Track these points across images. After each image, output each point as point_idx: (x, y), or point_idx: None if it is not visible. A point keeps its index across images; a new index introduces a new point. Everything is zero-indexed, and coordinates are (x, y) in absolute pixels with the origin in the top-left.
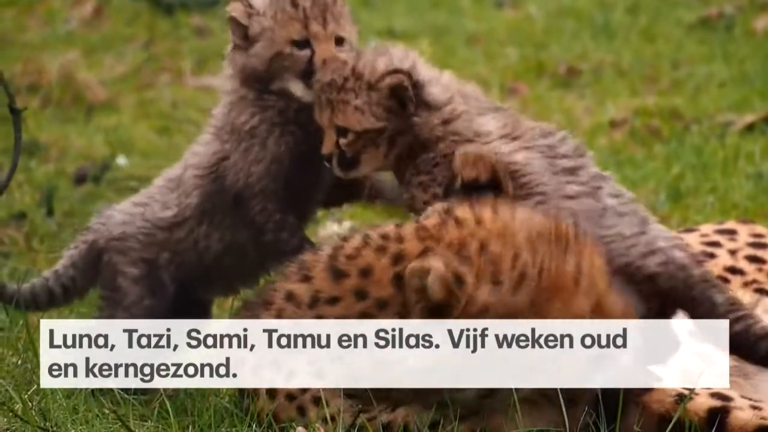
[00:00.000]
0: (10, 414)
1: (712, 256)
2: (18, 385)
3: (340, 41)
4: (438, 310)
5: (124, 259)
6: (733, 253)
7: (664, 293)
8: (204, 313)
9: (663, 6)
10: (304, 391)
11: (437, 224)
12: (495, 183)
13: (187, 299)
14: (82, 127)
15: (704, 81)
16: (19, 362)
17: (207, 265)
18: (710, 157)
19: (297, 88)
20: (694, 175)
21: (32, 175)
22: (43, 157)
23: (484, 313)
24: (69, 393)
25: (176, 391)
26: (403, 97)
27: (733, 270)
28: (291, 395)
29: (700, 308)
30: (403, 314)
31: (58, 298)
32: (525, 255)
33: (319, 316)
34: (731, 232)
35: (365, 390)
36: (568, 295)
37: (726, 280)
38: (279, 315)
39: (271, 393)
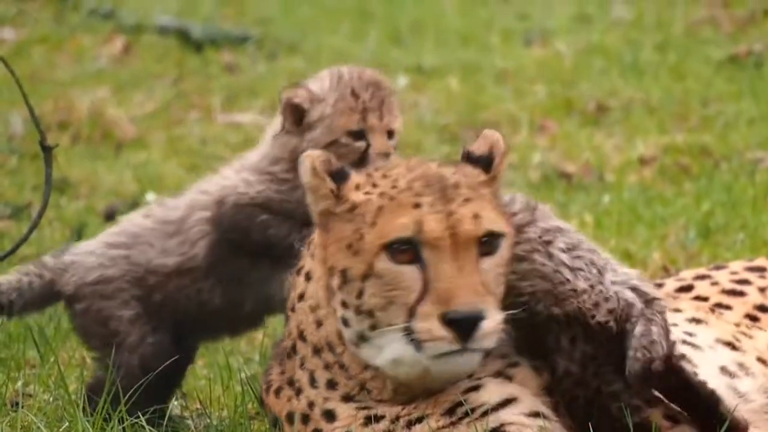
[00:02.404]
0: None
1: (741, 294)
2: (50, 422)
3: (391, 134)
4: None
5: (113, 302)
6: (762, 290)
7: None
8: (189, 354)
9: (692, 44)
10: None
11: None
12: (489, 160)
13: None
14: (112, 163)
15: (733, 118)
16: (51, 399)
17: (204, 316)
18: (740, 194)
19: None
20: (723, 212)
21: (62, 212)
22: (73, 194)
23: None
24: (101, 429)
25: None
26: None
27: (763, 308)
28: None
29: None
30: None
31: None
32: None
33: None
34: (761, 270)
35: None
36: None
37: (755, 319)
38: None
39: (307, 417)
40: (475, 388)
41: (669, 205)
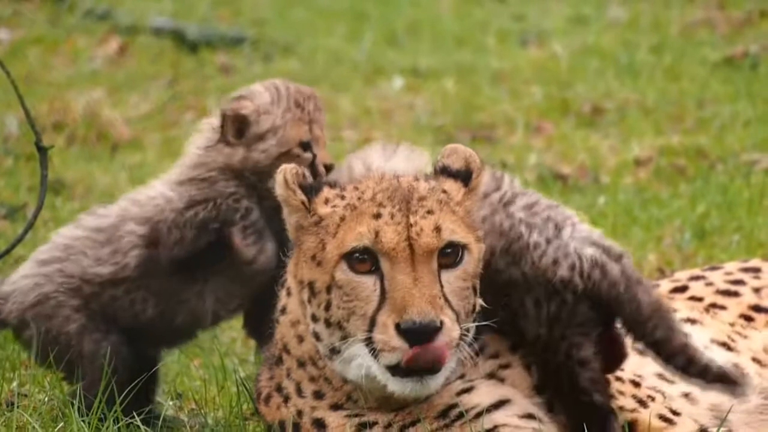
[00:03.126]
0: None
1: (736, 294)
2: (45, 422)
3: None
4: None
5: (57, 320)
6: (757, 291)
7: (594, 297)
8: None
9: (688, 45)
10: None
11: None
12: (466, 173)
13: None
14: (107, 164)
15: (729, 120)
16: (46, 399)
17: (139, 326)
18: (735, 195)
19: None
20: (719, 214)
21: (58, 213)
22: (69, 195)
23: None
24: (96, 429)
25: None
26: None
27: (758, 308)
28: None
29: (627, 308)
30: None
31: None
32: None
33: None
34: (756, 270)
35: None
36: None
37: (750, 319)
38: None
39: (297, 426)
40: (467, 390)
41: (664, 207)
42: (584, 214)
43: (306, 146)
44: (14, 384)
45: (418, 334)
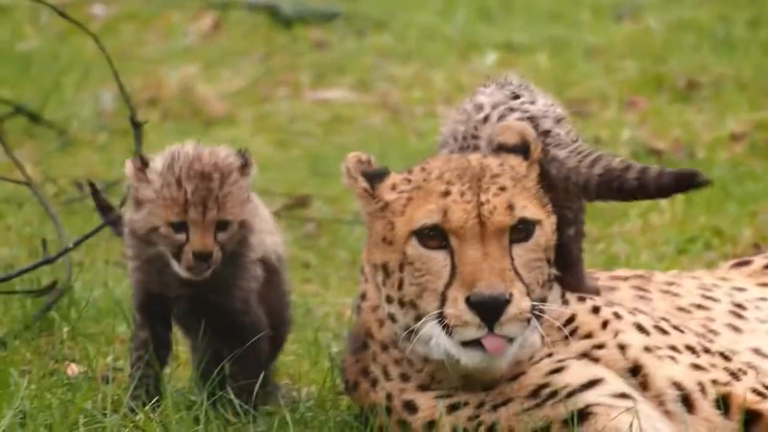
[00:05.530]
0: (132, 425)
1: None
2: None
3: (223, 225)
4: None
5: None
6: None
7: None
8: None
9: None
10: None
11: None
12: (524, 147)
13: None
14: (201, 140)
15: None
16: None
17: None
18: None
19: (173, 264)
20: None
21: None
22: None
23: None
24: (190, 405)
25: (296, 403)
26: None
27: None
28: (387, 408)
29: (552, 168)
30: None
31: None
32: None
33: None
34: None
35: None
36: None
37: None
38: None
39: (389, 408)
40: (559, 370)
41: (759, 182)
42: None
43: (177, 227)
44: (109, 358)
45: (488, 308)
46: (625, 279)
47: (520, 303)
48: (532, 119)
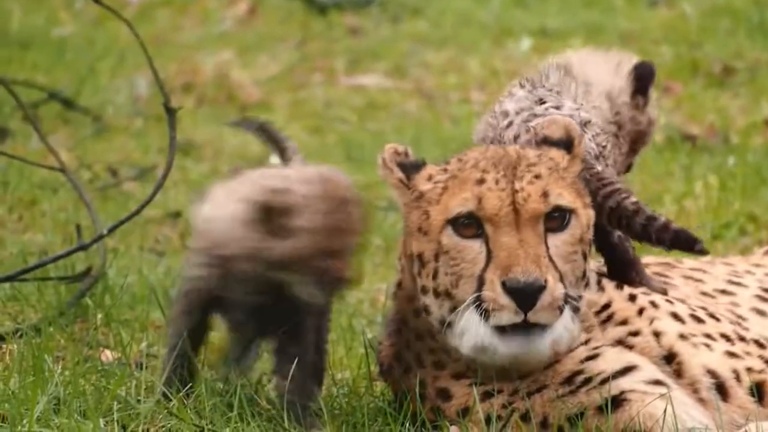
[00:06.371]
0: (166, 411)
1: None
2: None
3: None
4: None
5: None
6: None
7: None
8: None
9: None
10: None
11: None
12: (567, 142)
13: None
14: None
15: None
16: None
17: None
18: None
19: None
20: None
21: (187, 174)
22: (198, 156)
23: None
24: (223, 391)
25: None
26: None
27: None
28: (420, 395)
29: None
30: None
31: None
32: None
33: None
34: None
35: None
36: None
37: None
38: None
39: (422, 395)
40: (593, 357)
41: None
42: (713, 175)
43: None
44: (143, 345)
45: (523, 293)
46: (646, 266)
47: (555, 290)
48: None
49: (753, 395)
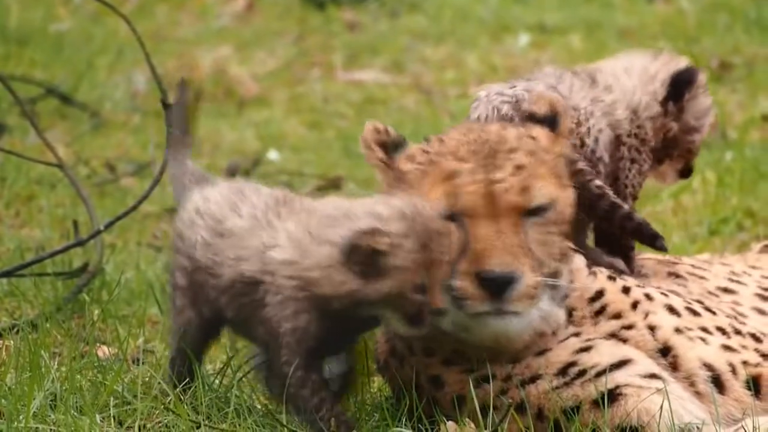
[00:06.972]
0: (162, 407)
1: None
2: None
3: None
4: None
5: None
6: None
7: None
8: None
9: None
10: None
11: None
12: (552, 118)
13: None
14: (234, 121)
15: None
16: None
17: None
18: None
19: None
20: None
21: None
22: (196, 152)
23: None
24: (220, 387)
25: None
26: None
27: None
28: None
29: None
30: None
31: None
32: None
33: None
34: None
35: None
36: None
37: None
38: None
39: (418, 388)
40: (587, 349)
41: None
42: (711, 170)
43: (419, 289)
44: (140, 340)
45: (496, 284)
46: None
47: (530, 280)
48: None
49: (749, 389)
